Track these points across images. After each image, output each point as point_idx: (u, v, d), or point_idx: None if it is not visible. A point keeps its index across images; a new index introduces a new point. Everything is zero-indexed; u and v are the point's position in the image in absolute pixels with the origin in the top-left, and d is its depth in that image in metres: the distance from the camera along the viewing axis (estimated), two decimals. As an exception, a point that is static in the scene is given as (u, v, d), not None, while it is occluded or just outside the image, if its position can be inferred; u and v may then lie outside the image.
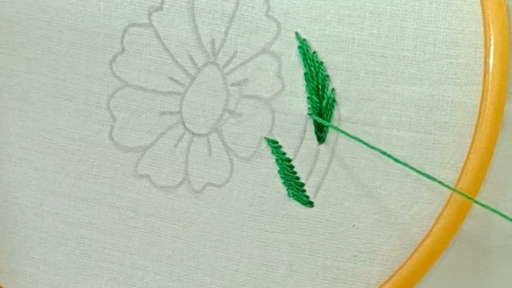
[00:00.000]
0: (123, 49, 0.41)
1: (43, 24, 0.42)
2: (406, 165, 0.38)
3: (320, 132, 0.40)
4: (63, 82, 0.42)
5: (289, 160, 0.40)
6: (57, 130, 0.42)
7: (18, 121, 0.43)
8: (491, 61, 0.38)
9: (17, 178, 0.43)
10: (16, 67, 0.42)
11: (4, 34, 0.42)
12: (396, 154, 0.39)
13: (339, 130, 0.39)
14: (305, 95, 0.40)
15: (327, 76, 0.39)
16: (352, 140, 0.39)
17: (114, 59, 0.41)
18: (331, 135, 0.40)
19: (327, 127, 0.39)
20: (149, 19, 0.41)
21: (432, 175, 0.39)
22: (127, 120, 0.42)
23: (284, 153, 0.40)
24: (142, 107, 0.41)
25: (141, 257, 0.42)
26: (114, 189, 0.42)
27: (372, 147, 0.38)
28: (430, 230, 0.39)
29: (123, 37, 0.41)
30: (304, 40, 0.39)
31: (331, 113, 0.39)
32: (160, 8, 0.41)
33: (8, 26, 0.42)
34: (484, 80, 0.38)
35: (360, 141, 0.39)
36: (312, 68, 0.39)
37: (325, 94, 0.39)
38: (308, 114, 0.40)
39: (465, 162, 0.39)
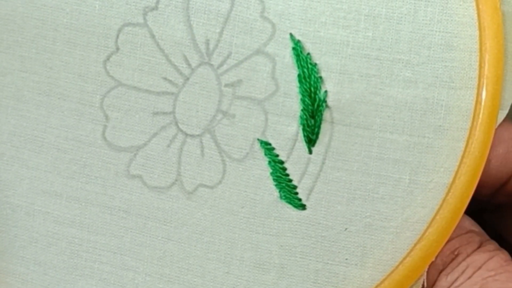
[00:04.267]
0: (118, 49, 0.41)
1: (38, 22, 0.42)
2: None
3: (312, 135, 0.39)
4: (57, 81, 0.42)
5: (281, 162, 0.40)
6: (50, 129, 0.42)
7: (10, 120, 0.42)
8: (486, 65, 0.38)
9: (9, 176, 0.43)
10: (10, 65, 0.42)
11: (-2, 32, 0.42)
12: (390, 157, 0.39)
13: None
14: (299, 96, 0.39)
15: (320, 78, 0.39)
16: (345, 142, 0.39)
17: (108, 58, 0.41)
18: (324, 137, 0.39)
19: (319, 129, 0.39)
20: (144, 18, 0.41)
21: (425, 179, 0.39)
22: (120, 120, 0.41)
23: (277, 155, 0.40)
24: (135, 107, 0.41)
25: (132, 258, 0.42)
26: (106, 189, 0.42)
27: None
28: (423, 234, 0.39)
29: (117, 37, 0.41)
30: (299, 41, 0.39)
31: (321, 114, 0.39)
32: (155, 8, 0.41)
33: (2, 24, 0.42)
34: (478, 84, 0.38)
35: None
36: (306, 70, 0.39)
37: (317, 96, 0.39)
38: (300, 116, 0.40)
39: (459, 166, 0.38)
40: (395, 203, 0.39)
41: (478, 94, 0.38)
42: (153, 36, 0.41)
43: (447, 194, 0.39)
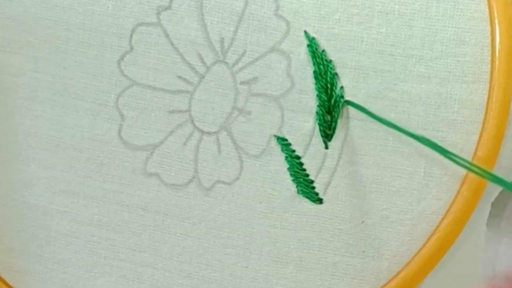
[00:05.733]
0: (132, 48, 0.41)
1: (51, 23, 0.42)
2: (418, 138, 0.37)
3: (329, 130, 0.40)
4: (71, 81, 0.42)
5: (298, 158, 0.41)
6: (65, 128, 0.42)
7: (25, 120, 0.43)
8: (497, 59, 0.39)
9: (26, 176, 0.43)
10: (23, 66, 0.42)
11: (11, 33, 0.42)
12: (405, 151, 0.40)
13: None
14: (314, 93, 0.40)
15: (336, 74, 0.40)
16: (361, 137, 0.40)
17: (122, 58, 0.42)
18: (340, 132, 0.40)
19: (335, 124, 0.40)
20: (158, 18, 0.41)
21: (439, 172, 0.40)
22: (136, 118, 0.42)
23: (294, 151, 0.41)
24: (151, 105, 0.42)
25: (150, 255, 0.42)
26: (123, 187, 0.42)
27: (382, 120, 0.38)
28: (438, 226, 0.40)
29: (131, 36, 0.41)
30: (313, 38, 0.40)
31: (339, 110, 0.40)
32: (168, 7, 0.41)
33: (15, 25, 0.42)
34: (490, 78, 0.39)
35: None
36: (321, 66, 0.40)
37: (333, 92, 0.40)
38: (316, 112, 0.40)
39: (472, 159, 0.39)
40: (411, 195, 0.40)
41: (491, 88, 0.39)
42: (167, 35, 0.41)
43: (461, 186, 0.40)
